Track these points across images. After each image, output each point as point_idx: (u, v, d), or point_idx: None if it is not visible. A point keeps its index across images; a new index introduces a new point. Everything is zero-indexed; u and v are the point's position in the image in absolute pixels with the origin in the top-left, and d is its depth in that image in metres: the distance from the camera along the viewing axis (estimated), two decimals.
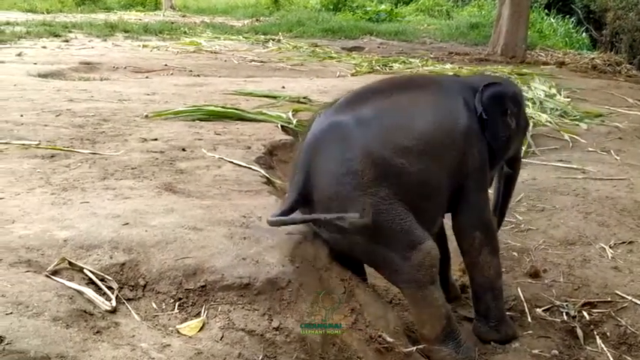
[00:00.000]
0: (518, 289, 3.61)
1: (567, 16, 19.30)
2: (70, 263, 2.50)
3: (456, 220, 3.13)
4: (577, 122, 6.86)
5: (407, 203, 2.75)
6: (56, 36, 12.64)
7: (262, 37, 15.00)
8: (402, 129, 2.82)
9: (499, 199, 3.59)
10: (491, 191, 3.44)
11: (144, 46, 12.12)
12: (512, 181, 3.62)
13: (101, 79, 8.10)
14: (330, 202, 2.73)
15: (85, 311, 2.29)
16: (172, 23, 16.90)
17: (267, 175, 3.94)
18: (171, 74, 8.95)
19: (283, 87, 7.46)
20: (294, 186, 2.85)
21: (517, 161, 3.61)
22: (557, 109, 7.29)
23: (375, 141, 2.73)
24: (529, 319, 3.40)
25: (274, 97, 6.68)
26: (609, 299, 3.49)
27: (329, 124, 2.81)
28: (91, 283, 2.46)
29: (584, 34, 18.52)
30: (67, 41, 12.08)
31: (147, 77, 8.46)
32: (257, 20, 19.83)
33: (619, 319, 3.34)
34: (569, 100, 7.98)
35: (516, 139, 3.38)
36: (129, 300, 2.48)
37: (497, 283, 3.21)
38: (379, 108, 2.85)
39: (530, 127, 6.27)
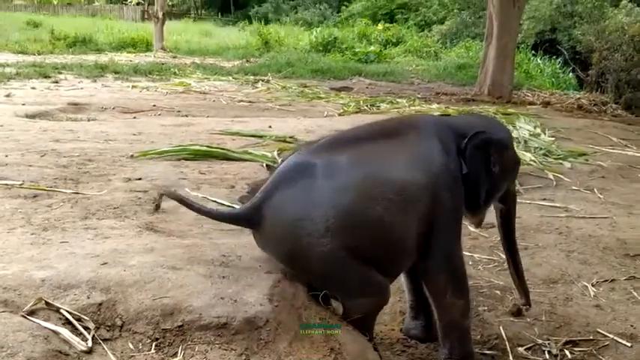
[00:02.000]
0: (500, 328, 3.58)
1: (554, 57, 19.60)
2: (46, 303, 2.49)
3: (422, 262, 3.06)
4: (561, 161, 6.92)
5: (367, 253, 2.79)
6: (46, 77, 12.73)
7: (252, 77, 15.13)
8: (371, 179, 2.80)
9: (503, 236, 3.67)
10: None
11: (133, 86, 12.20)
12: (509, 216, 3.63)
13: (88, 120, 8.15)
14: (279, 240, 2.80)
15: (60, 351, 2.28)
16: (162, 64, 17.04)
17: None
18: (159, 114, 9.00)
19: (270, 127, 7.50)
20: (248, 202, 2.92)
21: (510, 196, 3.59)
22: (541, 148, 7.35)
23: (340, 192, 2.73)
24: (511, 358, 3.38)
25: (260, 137, 6.73)
26: (591, 338, 3.48)
27: (301, 162, 2.83)
28: (67, 323, 2.44)
29: (570, 74, 18.79)
30: (56, 82, 12.16)
31: (134, 117, 8.50)
32: (247, 61, 20.03)
33: (601, 357, 3.33)
34: (553, 139, 8.05)
35: (502, 179, 3.36)
36: (105, 340, 2.45)
37: (462, 324, 3.19)
38: (352, 155, 2.85)
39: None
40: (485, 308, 3.79)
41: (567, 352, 3.41)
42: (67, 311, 2.48)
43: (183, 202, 2.94)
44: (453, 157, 3.07)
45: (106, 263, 2.81)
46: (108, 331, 2.50)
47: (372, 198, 2.76)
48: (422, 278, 3.21)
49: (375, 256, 2.84)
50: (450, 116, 3.91)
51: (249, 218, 2.87)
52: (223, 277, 2.78)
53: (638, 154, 7.72)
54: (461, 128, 3.21)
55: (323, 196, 2.71)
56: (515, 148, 4.89)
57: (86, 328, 2.45)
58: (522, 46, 19.39)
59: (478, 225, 3.78)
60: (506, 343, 3.47)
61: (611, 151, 7.76)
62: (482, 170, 3.17)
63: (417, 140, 3.06)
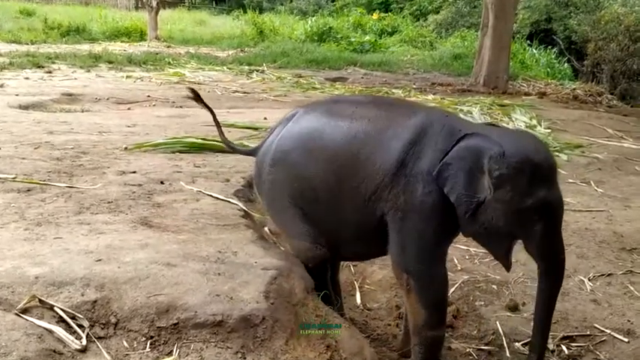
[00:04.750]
0: (497, 323, 3.57)
1: (549, 47, 19.55)
2: (40, 301, 2.48)
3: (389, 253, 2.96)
4: (557, 153, 6.90)
5: (298, 199, 3.01)
6: (39, 67, 12.62)
7: (246, 67, 15.05)
8: (321, 134, 2.96)
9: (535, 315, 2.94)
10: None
11: (127, 76, 12.12)
12: (544, 292, 2.85)
13: (82, 111, 8.10)
14: (255, 169, 3.27)
15: (54, 351, 2.27)
16: (157, 54, 16.92)
17: (244, 208, 3.92)
18: (154, 105, 8.94)
19: (265, 118, 7.45)
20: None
21: (548, 261, 2.79)
22: None
23: (292, 136, 3.04)
24: (507, 354, 3.36)
25: (256, 129, 6.69)
26: (588, 333, 3.47)
27: (292, 112, 3.23)
28: (61, 321, 2.44)
29: (565, 64, 18.75)
30: (50, 72, 12.07)
31: (129, 109, 8.45)
32: (242, 51, 19.92)
33: (598, 353, 3.32)
34: (549, 131, 8.04)
35: (501, 213, 2.66)
36: (100, 338, 2.44)
37: (423, 333, 2.90)
38: (324, 111, 3.10)
39: None
40: (482, 303, 3.77)
41: (564, 347, 3.40)
42: (61, 309, 2.48)
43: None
44: (434, 158, 2.73)
45: (100, 260, 2.80)
46: (102, 329, 2.49)
47: (307, 149, 2.97)
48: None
49: (307, 207, 3.00)
50: (486, 125, 3.14)
51: (254, 152, 3.33)
52: (219, 273, 2.77)
53: (634, 146, 7.72)
54: (460, 128, 2.79)
55: (281, 136, 3.09)
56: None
57: (80, 326, 2.44)
58: (518, 35, 19.33)
59: (505, 267, 2.94)
60: (503, 338, 3.46)
61: (608, 142, 7.76)
62: (463, 181, 2.67)
63: (397, 124, 2.85)
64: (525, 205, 2.62)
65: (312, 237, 3.04)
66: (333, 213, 2.96)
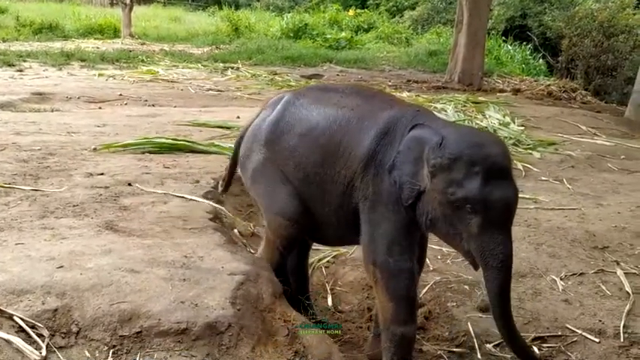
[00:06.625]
0: (469, 324, 3.54)
1: (524, 43, 19.61)
2: None
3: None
4: (530, 151, 6.92)
5: (290, 177, 3.09)
6: (10, 65, 12.43)
7: (221, 65, 14.92)
8: (310, 121, 3.06)
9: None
10: None
11: (100, 75, 11.98)
12: (490, 296, 2.72)
13: (52, 110, 7.96)
14: (244, 148, 3.32)
15: None
16: (130, 51, 16.76)
17: (216, 207, 3.87)
18: (125, 104, 8.84)
19: (238, 117, 7.38)
20: None
21: (485, 261, 2.63)
22: (510, 138, 7.35)
23: (284, 119, 3.12)
24: (479, 355, 3.34)
25: (228, 128, 6.63)
26: (559, 333, 3.45)
27: (281, 95, 3.31)
28: (20, 331, 2.38)
29: (540, 60, 18.82)
30: (20, 71, 11.91)
31: (99, 108, 8.34)
32: (217, 48, 19.78)
33: (569, 353, 3.30)
34: (523, 128, 8.06)
35: (437, 203, 2.66)
36: (60, 348, 2.39)
37: (392, 328, 2.88)
38: (313, 98, 3.18)
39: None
40: (454, 304, 3.75)
41: (535, 348, 3.37)
42: (21, 318, 2.42)
43: None
44: (392, 144, 2.82)
45: (62, 266, 2.74)
46: (63, 338, 2.44)
47: (297, 133, 3.06)
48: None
49: (297, 186, 3.08)
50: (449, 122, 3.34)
51: None
52: (184, 279, 2.72)
53: (607, 143, 7.77)
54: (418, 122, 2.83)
55: (270, 116, 3.19)
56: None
57: (40, 336, 2.39)
58: (493, 32, 19.39)
59: (473, 266, 2.80)
60: (475, 340, 3.43)
61: (581, 139, 7.79)
62: (405, 169, 2.72)
63: (374, 115, 2.93)
64: (456, 197, 2.58)
65: (294, 214, 3.11)
66: (319, 195, 3.03)
